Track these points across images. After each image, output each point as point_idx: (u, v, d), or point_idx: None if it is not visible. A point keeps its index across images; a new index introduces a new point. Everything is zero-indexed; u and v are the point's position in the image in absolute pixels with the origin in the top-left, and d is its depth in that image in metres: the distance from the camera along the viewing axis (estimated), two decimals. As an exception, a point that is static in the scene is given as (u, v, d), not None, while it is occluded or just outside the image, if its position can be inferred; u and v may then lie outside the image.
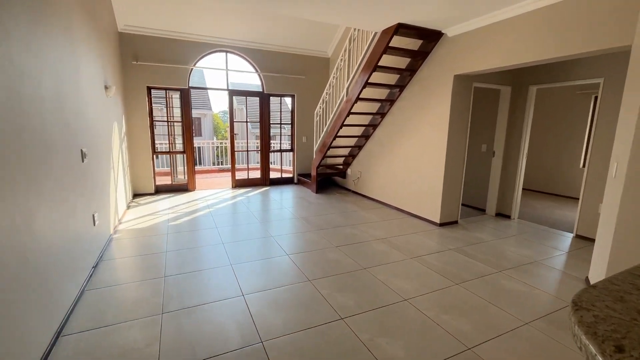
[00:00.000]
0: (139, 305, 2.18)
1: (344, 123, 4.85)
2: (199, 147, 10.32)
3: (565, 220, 4.36)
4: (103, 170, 3.20)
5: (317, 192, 5.79)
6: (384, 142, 4.95)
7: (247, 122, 6.39)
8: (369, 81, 4.18)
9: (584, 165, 5.50)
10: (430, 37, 3.89)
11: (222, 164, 11.18)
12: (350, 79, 4.56)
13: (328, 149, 5.30)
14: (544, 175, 6.26)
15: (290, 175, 6.82)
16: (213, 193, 5.68)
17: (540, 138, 6.18)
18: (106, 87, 3.56)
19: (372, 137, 5.22)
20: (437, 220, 4.04)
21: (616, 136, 2.33)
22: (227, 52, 5.65)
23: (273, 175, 6.79)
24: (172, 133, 5.84)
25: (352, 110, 4.61)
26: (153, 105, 5.35)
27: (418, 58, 4.10)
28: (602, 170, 3.47)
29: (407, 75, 4.31)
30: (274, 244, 3.33)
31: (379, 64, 3.96)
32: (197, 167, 9.04)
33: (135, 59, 4.93)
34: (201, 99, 20.10)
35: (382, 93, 4.84)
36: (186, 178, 5.78)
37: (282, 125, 6.52)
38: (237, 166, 9.54)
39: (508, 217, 4.46)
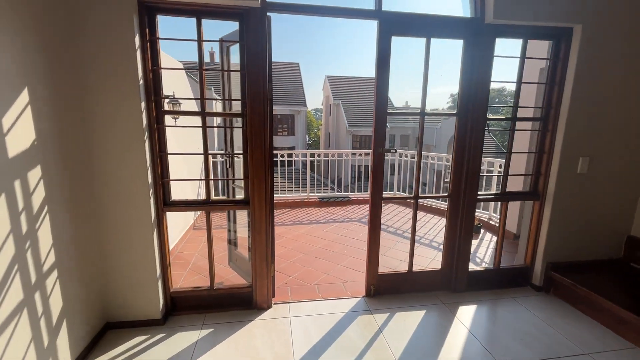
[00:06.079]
0: None
1: None
2: (295, 161, 5.22)
3: None
4: None
5: None
6: None
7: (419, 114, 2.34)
8: None
9: None
10: None
11: (325, 188, 7.43)
12: None
13: None
14: None
15: (521, 262, 2.56)
16: (317, 342, 1.86)
17: None
18: None
19: None
20: None
21: None
22: None
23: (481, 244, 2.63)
24: (229, 148, 2.27)
25: None
26: (162, 62, 1.81)
27: None
28: None
29: None
30: None
31: None
32: (280, 196, 5.23)
33: None
34: (294, 91, 17.32)
35: None
36: (252, 274, 2.09)
37: (514, 122, 2.30)
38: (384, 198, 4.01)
39: None
